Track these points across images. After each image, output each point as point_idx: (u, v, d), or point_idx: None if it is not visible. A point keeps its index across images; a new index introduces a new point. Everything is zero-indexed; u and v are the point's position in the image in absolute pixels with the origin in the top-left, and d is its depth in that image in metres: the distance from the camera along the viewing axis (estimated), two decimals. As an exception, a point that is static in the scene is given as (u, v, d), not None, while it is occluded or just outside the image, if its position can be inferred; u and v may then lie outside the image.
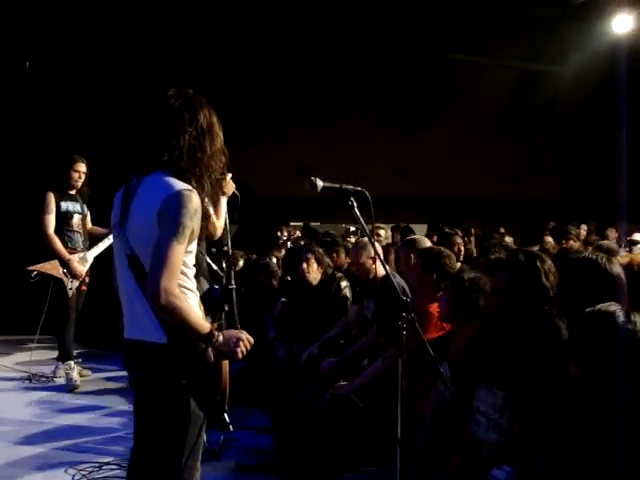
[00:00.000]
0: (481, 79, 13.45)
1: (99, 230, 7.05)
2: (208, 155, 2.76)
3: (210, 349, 2.64)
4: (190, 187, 2.64)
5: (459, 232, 7.60)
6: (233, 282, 4.67)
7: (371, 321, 5.21)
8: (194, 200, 2.60)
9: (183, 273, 2.64)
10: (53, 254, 6.68)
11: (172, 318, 2.54)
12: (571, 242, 6.14)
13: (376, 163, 13.13)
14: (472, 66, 13.42)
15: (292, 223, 11.37)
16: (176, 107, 2.74)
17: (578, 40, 12.33)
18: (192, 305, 2.65)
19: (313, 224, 11.18)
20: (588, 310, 2.62)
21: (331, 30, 12.04)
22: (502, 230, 10.72)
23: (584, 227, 10.26)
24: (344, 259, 6.78)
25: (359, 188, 3.08)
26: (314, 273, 6.02)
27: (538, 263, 3.38)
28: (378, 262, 5.04)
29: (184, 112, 2.73)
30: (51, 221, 6.68)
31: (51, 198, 6.70)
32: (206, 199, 2.80)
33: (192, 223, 2.58)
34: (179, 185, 2.62)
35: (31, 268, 6.61)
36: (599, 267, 3.10)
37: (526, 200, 14.31)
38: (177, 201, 2.57)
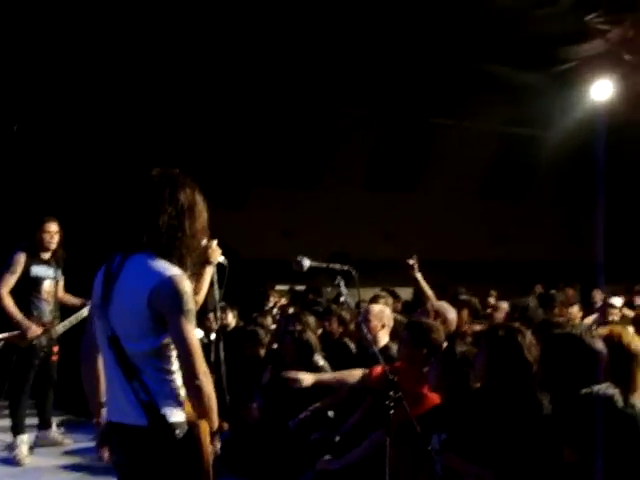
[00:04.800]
0: (465, 143, 13.65)
1: (71, 299, 6.83)
2: (188, 235, 2.73)
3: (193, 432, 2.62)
4: (178, 270, 2.64)
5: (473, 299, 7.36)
6: (222, 352, 4.60)
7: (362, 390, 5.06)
8: (187, 283, 2.62)
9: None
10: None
11: (209, 404, 2.60)
12: (555, 311, 6.14)
13: (362, 226, 13.17)
14: (456, 130, 13.63)
15: (278, 287, 11.27)
16: (157, 186, 2.73)
17: (561, 105, 12.57)
18: None
19: (298, 287, 11.10)
20: (584, 392, 2.59)
21: (317, 95, 12.22)
22: (494, 293, 10.60)
23: (570, 291, 10.21)
24: (336, 328, 6.65)
25: (346, 267, 3.08)
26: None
27: (519, 338, 3.37)
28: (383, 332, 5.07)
29: (164, 191, 2.72)
30: (9, 280, 6.37)
31: (20, 259, 6.42)
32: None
33: (193, 305, 2.61)
34: (169, 270, 2.62)
35: None
36: (582, 343, 3.10)
37: (511, 262, 14.37)
38: (175, 289, 2.57)
